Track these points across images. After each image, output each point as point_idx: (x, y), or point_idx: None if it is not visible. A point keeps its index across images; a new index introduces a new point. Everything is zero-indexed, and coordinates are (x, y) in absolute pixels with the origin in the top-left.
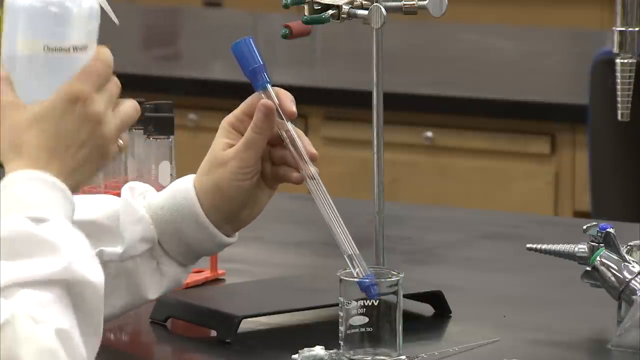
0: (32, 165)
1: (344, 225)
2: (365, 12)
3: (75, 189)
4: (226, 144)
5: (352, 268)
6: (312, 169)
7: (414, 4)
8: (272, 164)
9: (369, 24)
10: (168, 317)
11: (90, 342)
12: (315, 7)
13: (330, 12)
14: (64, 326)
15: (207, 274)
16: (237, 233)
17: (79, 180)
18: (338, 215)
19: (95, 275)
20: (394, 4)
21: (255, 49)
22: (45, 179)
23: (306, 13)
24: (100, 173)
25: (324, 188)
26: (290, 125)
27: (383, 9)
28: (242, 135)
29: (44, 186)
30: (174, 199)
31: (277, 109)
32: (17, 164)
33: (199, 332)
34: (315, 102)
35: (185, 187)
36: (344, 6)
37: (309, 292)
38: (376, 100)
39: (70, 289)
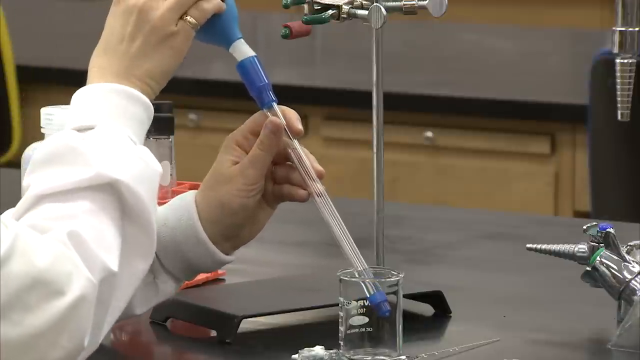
0: (91, 75)
1: (352, 241)
2: (365, 12)
3: (151, 79)
4: (231, 161)
5: (362, 285)
6: (320, 186)
7: (414, 4)
8: (273, 183)
9: (369, 24)
10: (168, 317)
11: (140, 240)
12: (315, 7)
13: (330, 12)
14: (75, 228)
15: (207, 274)
16: (235, 252)
17: (150, 69)
18: (347, 231)
19: (125, 174)
20: (394, 4)
21: (260, 67)
22: (100, 87)
23: (306, 13)
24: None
25: (332, 205)
26: (296, 143)
27: (383, 9)
28: (247, 153)
29: (99, 94)
30: (176, 215)
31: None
32: (88, 82)
33: (199, 332)
34: (315, 102)
35: (186, 203)
36: (344, 6)
37: (309, 292)
38: (376, 100)
39: (105, 193)
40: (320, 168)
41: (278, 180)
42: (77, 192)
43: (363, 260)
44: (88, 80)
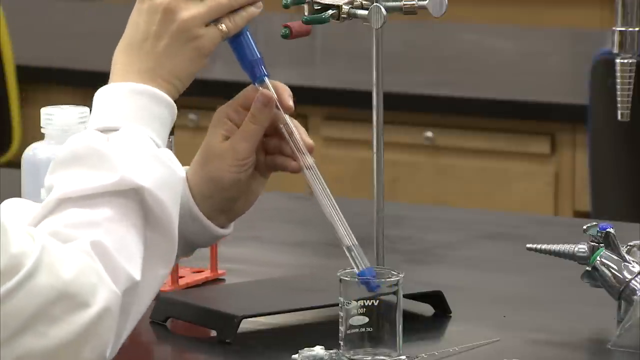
0: (115, 73)
1: (342, 216)
2: (365, 12)
3: (176, 79)
4: (222, 135)
5: (351, 260)
6: (310, 160)
7: (414, 4)
8: (265, 154)
9: (369, 24)
10: (168, 317)
11: (162, 246)
12: (315, 7)
13: (330, 12)
14: (98, 237)
15: (207, 274)
16: (232, 224)
17: (174, 70)
18: (336, 206)
19: (148, 180)
20: (394, 4)
21: (252, 42)
22: (124, 87)
23: (306, 13)
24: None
25: (321, 178)
26: (287, 118)
27: (383, 9)
28: (238, 126)
29: (123, 94)
30: None
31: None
32: (111, 80)
33: (199, 332)
34: (315, 102)
35: None
36: (344, 6)
37: (309, 292)
38: (376, 100)
39: (128, 199)
40: (310, 142)
41: (270, 151)
42: (100, 198)
43: (353, 236)
44: (111, 78)
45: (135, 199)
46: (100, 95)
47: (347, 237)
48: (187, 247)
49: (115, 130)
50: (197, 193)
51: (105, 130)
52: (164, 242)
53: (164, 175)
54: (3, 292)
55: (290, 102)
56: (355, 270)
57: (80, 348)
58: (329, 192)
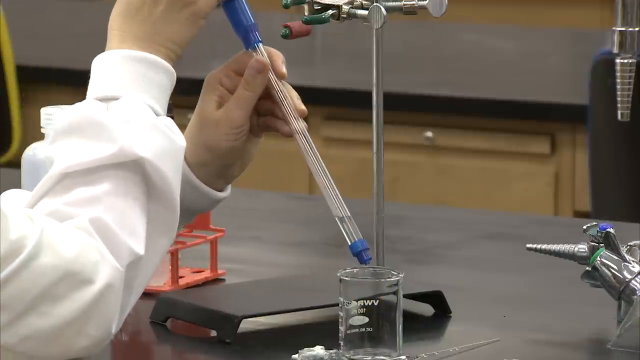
0: (112, 39)
1: (334, 184)
2: (365, 12)
3: (173, 43)
4: (215, 101)
5: (343, 232)
6: (301, 125)
7: (414, 4)
8: (258, 116)
9: (369, 24)
10: (168, 317)
11: (164, 217)
12: (315, 7)
13: (330, 12)
14: (98, 214)
15: (207, 274)
16: (229, 186)
17: (171, 35)
18: (328, 173)
19: (149, 150)
20: (394, 4)
21: (247, 8)
22: (122, 54)
23: (306, 13)
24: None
25: (312, 144)
26: (280, 83)
27: (383, 9)
28: (230, 91)
29: (121, 61)
30: None
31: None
32: (108, 47)
33: (199, 332)
34: (315, 102)
35: None
36: (344, 6)
37: (309, 292)
38: (376, 100)
39: (129, 171)
40: (302, 107)
41: (262, 112)
42: (101, 171)
43: (344, 206)
44: (108, 44)
45: (136, 171)
46: (98, 63)
47: (339, 207)
48: (187, 214)
49: (115, 99)
50: (193, 161)
51: (104, 99)
52: (166, 213)
53: (164, 145)
54: (5, 275)
55: (284, 69)
56: (348, 242)
57: (85, 325)
58: (321, 160)
